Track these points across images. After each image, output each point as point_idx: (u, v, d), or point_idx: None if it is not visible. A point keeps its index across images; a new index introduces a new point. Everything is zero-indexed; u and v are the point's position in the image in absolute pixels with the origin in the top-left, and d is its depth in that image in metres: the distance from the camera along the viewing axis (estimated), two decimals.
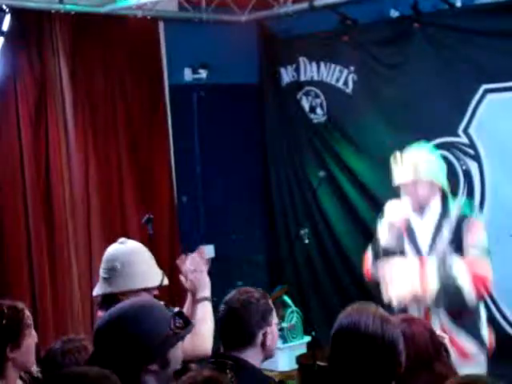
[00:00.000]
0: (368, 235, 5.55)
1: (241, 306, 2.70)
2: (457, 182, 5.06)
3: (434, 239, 3.83)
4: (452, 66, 5.02)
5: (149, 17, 5.42)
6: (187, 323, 2.17)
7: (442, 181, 3.88)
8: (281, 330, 5.22)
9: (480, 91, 4.89)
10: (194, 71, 5.88)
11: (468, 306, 3.68)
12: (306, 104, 5.95)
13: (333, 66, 5.75)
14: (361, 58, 5.56)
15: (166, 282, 3.03)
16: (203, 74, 5.87)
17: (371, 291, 5.47)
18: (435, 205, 3.88)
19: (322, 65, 5.81)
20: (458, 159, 5.07)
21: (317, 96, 5.88)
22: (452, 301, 3.67)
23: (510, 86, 4.77)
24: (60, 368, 2.47)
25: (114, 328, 2.08)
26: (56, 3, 4.91)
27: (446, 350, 2.61)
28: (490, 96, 4.87)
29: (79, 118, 5.17)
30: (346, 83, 5.67)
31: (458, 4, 5.04)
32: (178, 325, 2.13)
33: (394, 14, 5.32)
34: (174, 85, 5.78)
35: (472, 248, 3.77)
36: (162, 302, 2.35)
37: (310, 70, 5.91)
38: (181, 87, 5.84)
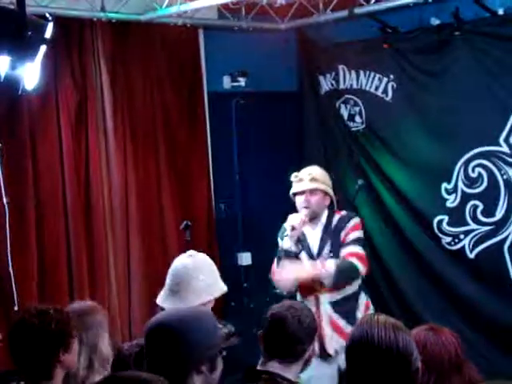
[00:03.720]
0: (407, 246, 5.53)
1: (293, 322, 2.71)
2: (498, 191, 5.00)
3: (321, 246, 4.31)
4: (493, 74, 4.96)
5: (189, 25, 5.47)
6: (230, 335, 2.23)
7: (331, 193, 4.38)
8: None
9: None
10: (233, 79, 5.90)
11: (359, 276, 4.21)
12: (344, 112, 5.92)
13: (372, 74, 5.72)
14: (400, 66, 5.52)
15: (225, 289, 3.08)
16: (242, 81, 5.89)
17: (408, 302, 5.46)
18: (324, 216, 4.37)
19: (362, 73, 5.79)
20: (499, 169, 5.00)
21: (356, 104, 5.85)
22: (347, 273, 4.15)
23: None
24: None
25: (174, 329, 2.16)
26: (98, 11, 4.98)
27: None
28: None
29: (119, 124, 5.23)
30: (385, 91, 5.64)
31: (500, 12, 4.98)
32: (224, 335, 2.25)
33: (435, 21, 5.27)
34: (212, 92, 5.81)
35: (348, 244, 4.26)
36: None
37: (349, 78, 5.88)
38: (220, 95, 5.87)
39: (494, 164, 5.02)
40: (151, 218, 5.36)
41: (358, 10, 5.33)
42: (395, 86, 5.57)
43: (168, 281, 3.05)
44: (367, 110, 5.77)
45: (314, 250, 4.33)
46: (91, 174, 5.10)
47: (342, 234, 4.28)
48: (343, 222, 4.33)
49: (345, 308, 4.23)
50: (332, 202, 4.43)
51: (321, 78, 6.06)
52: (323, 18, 5.56)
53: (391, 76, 5.59)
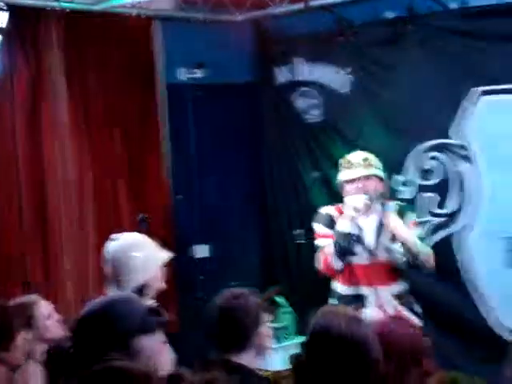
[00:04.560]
0: None
1: (236, 308, 2.71)
2: (451, 183, 5.08)
3: (377, 238, 4.14)
4: (445, 68, 5.03)
5: (144, 15, 5.42)
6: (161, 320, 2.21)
7: (386, 179, 4.25)
8: (274, 330, 5.22)
9: (473, 93, 4.90)
10: (190, 70, 5.87)
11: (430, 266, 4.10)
12: (301, 104, 5.95)
13: (328, 66, 5.75)
14: (356, 59, 5.56)
15: (167, 256, 3.08)
16: (199, 73, 5.86)
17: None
18: (377, 206, 4.16)
19: (318, 65, 5.81)
20: (451, 161, 5.08)
21: (312, 97, 5.88)
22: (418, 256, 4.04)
23: (503, 89, 4.78)
24: None
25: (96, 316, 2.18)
26: (52, 1, 4.91)
27: None
28: (483, 98, 4.88)
29: (73, 117, 5.16)
30: (341, 84, 5.67)
31: (453, 6, 5.05)
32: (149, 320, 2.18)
33: (390, 15, 5.32)
34: (169, 84, 5.77)
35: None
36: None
37: (305, 71, 5.90)
38: (176, 86, 5.83)
39: (446, 156, 5.10)
40: (107, 212, 5.31)
41: (313, 3, 5.36)
42: (351, 78, 5.60)
43: (107, 270, 3.05)
44: (324, 102, 5.80)
45: (370, 242, 4.15)
46: (45, 168, 5.03)
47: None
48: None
49: (407, 299, 4.17)
50: (384, 189, 4.27)
51: (277, 70, 6.07)
52: (279, 10, 5.57)
53: (347, 69, 5.62)
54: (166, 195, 5.70)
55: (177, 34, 5.70)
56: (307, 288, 5.96)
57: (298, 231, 5.84)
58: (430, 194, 5.19)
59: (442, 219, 5.09)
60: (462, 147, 5.01)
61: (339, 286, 4.26)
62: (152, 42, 5.62)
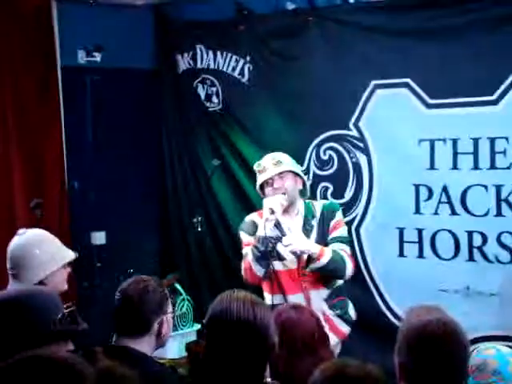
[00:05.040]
0: None
1: (137, 295, 2.70)
2: (347, 174, 5.20)
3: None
4: (344, 60, 5.14)
5: None
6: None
7: (303, 176, 4.06)
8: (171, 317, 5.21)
9: (370, 86, 5.04)
10: (88, 54, 5.74)
11: (345, 275, 3.97)
12: (201, 92, 5.94)
13: (229, 54, 5.76)
14: (257, 49, 5.60)
15: (71, 256, 3.03)
16: (97, 57, 5.74)
17: None
18: (301, 204, 4.03)
19: (219, 53, 5.82)
20: (348, 152, 5.21)
21: (213, 84, 5.88)
22: (337, 265, 3.91)
23: (397, 82, 4.94)
24: None
25: None
26: None
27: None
28: (378, 91, 5.03)
29: None
30: (241, 73, 5.70)
31: (352, 0, 5.16)
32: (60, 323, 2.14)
33: (291, 6, 5.38)
34: (66, 66, 5.62)
35: (337, 240, 3.99)
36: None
37: (206, 58, 5.90)
38: (74, 69, 5.69)
39: (343, 147, 5.22)
40: (0, 199, 5.14)
41: None
42: (251, 67, 5.64)
43: (7, 266, 2.99)
44: (224, 90, 5.82)
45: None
46: None
47: (332, 224, 3.99)
48: (329, 212, 4.02)
49: (338, 304, 4.02)
50: (304, 185, 4.09)
51: (178, 57, 6.03)
52: None
53: (247, 58, 5.65)
54: (61, 181, 5.56)
55: (75, 15, 5.55)
56: (206, 276, 5.98)
57: (196, 219, 5.83)
58: (326, 184, 5.30)
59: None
60: (359, 139, 5.14)
61: (267, 296, 4.00)
62: (50, 21, 5.45)
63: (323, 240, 3.97)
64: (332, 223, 4.02)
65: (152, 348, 2.73)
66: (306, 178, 4.13)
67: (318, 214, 4.02)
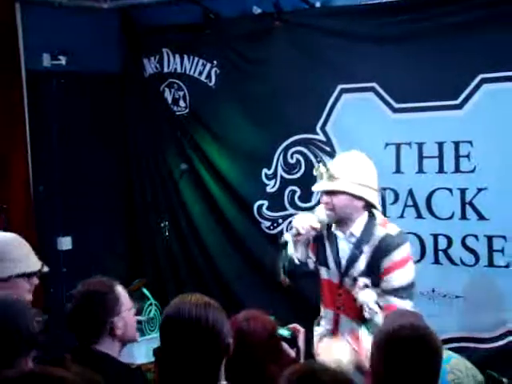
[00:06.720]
0: (228, 230, 5.64)
1: (83, 299, 2.69)
2: (314, 177, 5.22)
3: (349, 265, 3.38)
4: (311, 64, 5.17)
5: None
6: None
7: (364, 194, 3.36)
8: (139, 322, 5.18)
9: (336, 91, 5.07)
10: (54, 57, 5.68)
11: None
12: (168, 96, 5.92)
13: (196, 58, 5.76)
14: (223, 53, 5.61)
15: (45, 269, 3.00)
16: (63, 60, 5.69)
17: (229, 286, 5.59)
18: (359, 224, 3.39)
19: (185, 57, 5.81)
20: (315, 156, 5.23)
21: (180, 88, 5.87)
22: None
23: (363, 87, 4.98)
24: None
25: None
26: None
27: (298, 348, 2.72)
28: (345, 95, 5.06)
29: None
30: (208, 77, 5.70)
31: (318, 4, 5.19)
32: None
33: (257, 10, 5.40)
34: (31, 70, 5.55)
35: (386, 293, 3.30)
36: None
37: (173, 62, 5.88)
38: (39, 73, 5.62)
39: (311, 151, 5.24)
40: None
41: None
42: (218, 71, 5.64)
43: None
44: (191, 94, 5.81)
45: (341, 264, 3.39)
46: None
47: (385, 264, 3.27)
48: (390, 244, 3.29)
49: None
50: (371, 204, 3.37)
51: (145, 61, 6.01)
52: (146, 0, 5.52)
53: (214, 62, 5.65)
54: (26, 186, 5.49)
55: (40, 18, 5.49)
56: (173, 281, 5.96)
57: (165, 223, 5.82)
58: (293, 188, 5.32)
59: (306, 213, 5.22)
60: (326, 142, 5.17)
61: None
62: (14, 26, 5.38)
63: (371, 274, 3.32)
64: (386, 263, 3.30)
65: (113, 349, 2.71)
66: (371, 196, 3.40)
67: (376, 242, 3.35)
